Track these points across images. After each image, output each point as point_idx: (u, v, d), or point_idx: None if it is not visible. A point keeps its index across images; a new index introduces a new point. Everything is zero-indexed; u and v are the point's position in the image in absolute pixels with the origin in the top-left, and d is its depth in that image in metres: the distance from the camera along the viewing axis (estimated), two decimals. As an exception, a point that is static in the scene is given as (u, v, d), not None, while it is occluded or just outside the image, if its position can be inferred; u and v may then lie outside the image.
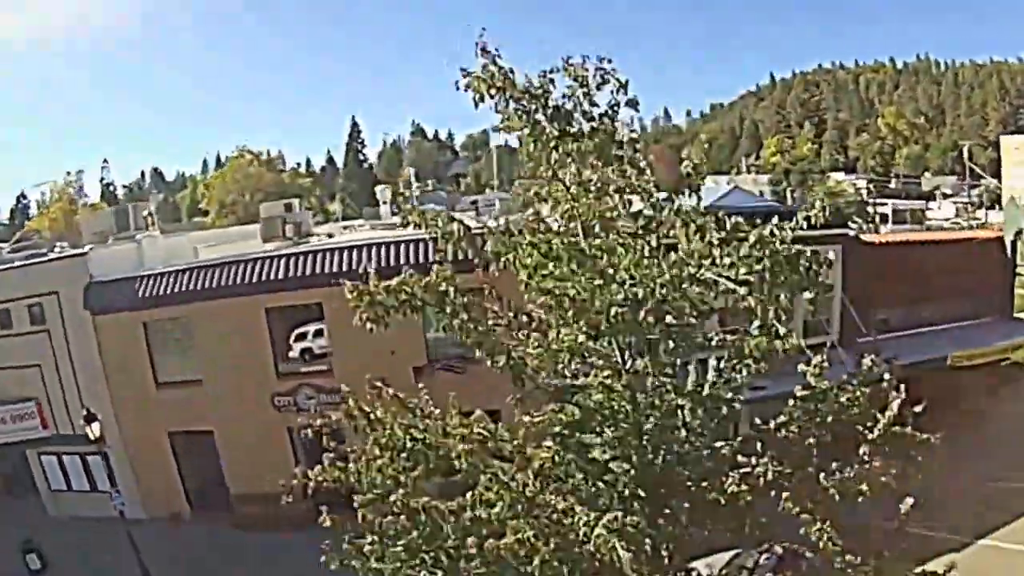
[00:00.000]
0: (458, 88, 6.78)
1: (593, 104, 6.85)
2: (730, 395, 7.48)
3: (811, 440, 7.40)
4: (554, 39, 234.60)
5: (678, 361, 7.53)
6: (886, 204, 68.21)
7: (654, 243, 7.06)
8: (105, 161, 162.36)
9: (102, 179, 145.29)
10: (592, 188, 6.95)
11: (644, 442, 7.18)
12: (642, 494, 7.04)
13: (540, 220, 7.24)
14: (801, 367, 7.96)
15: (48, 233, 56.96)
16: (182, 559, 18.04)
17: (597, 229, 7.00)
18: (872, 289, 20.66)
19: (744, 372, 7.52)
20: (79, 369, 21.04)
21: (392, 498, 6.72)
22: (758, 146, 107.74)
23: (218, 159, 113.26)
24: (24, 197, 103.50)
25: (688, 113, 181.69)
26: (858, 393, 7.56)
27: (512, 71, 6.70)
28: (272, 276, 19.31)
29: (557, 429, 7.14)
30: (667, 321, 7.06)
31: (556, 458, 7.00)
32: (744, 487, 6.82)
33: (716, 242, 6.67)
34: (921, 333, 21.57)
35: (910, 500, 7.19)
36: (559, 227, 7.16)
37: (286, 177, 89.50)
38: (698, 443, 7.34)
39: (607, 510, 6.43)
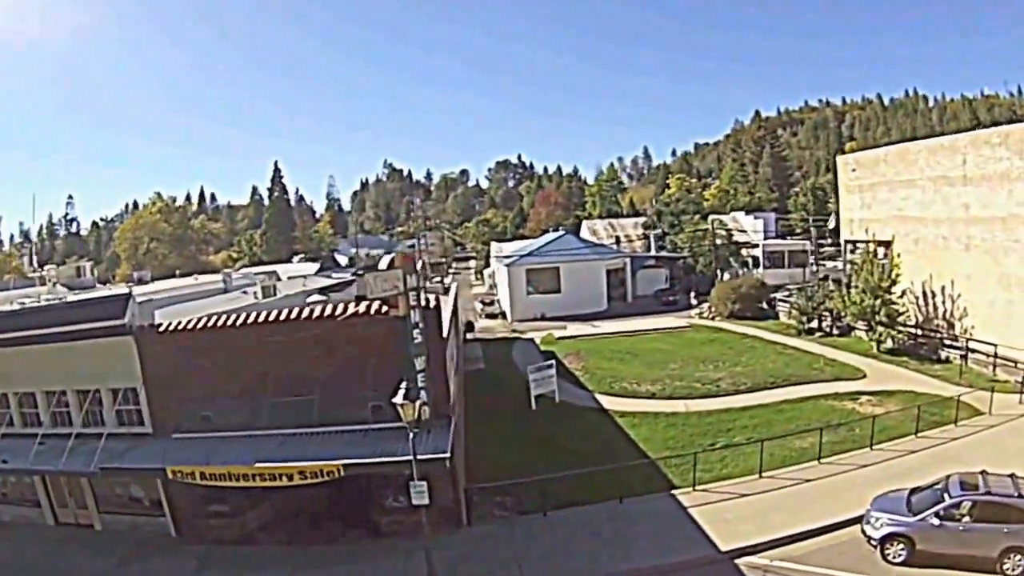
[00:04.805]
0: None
1: None
2: None
3: None
4: (568, 67, 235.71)
5: None
6: (757, 247, 62.62)
7: None
8: (70, 197, 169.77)
9: (66, 215, 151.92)
10: None
11: None
12: None
13: None
14: None
15: None
16: None
17: None
18: (184, 381, 18.10)
19: None
20: None
21: None
22: (701, 187, 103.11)
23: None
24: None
25: (674, 152, 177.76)
26: None
27: None
28: None
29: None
30: None
31: None
32: None
33: None
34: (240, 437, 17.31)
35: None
36: None
37: (196, 223, 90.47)
38: None
39: None
